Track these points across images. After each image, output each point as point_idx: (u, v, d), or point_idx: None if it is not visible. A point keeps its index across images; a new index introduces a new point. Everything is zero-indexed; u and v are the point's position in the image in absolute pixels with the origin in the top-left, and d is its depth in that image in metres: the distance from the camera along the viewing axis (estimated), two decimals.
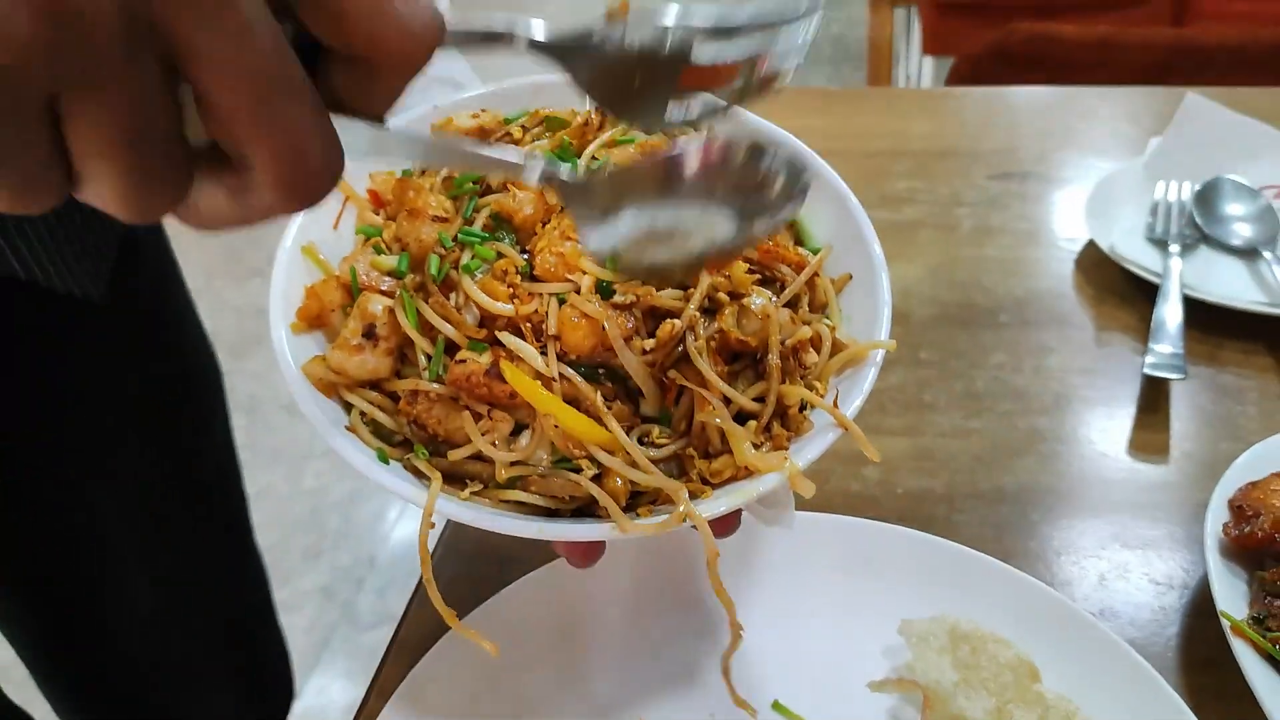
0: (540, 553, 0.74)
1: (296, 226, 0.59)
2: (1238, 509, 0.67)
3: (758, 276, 0.57)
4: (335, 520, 2.46)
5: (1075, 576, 0.71)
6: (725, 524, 0.54)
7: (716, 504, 0.51)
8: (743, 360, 0.55)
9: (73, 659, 0.97)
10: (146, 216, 0.33)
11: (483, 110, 0.64)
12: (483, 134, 0.63)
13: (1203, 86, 1.23)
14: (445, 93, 0.66)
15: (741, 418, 0.54)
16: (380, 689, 0.66)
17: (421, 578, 0.75)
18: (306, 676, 2.09)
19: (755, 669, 0.64)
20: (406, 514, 2.46)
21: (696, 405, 0.53)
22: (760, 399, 0.54)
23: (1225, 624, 0.60)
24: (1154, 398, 0.85)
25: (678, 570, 0.71)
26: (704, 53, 0.42)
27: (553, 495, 0.53)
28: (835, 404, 0.54)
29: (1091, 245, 1.00)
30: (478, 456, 0.53)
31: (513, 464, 0.52)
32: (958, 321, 0.94)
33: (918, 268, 1.01)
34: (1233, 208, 0.98)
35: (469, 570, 0.76)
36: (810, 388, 0.55)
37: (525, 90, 0.66)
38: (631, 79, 0.42)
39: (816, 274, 0.59)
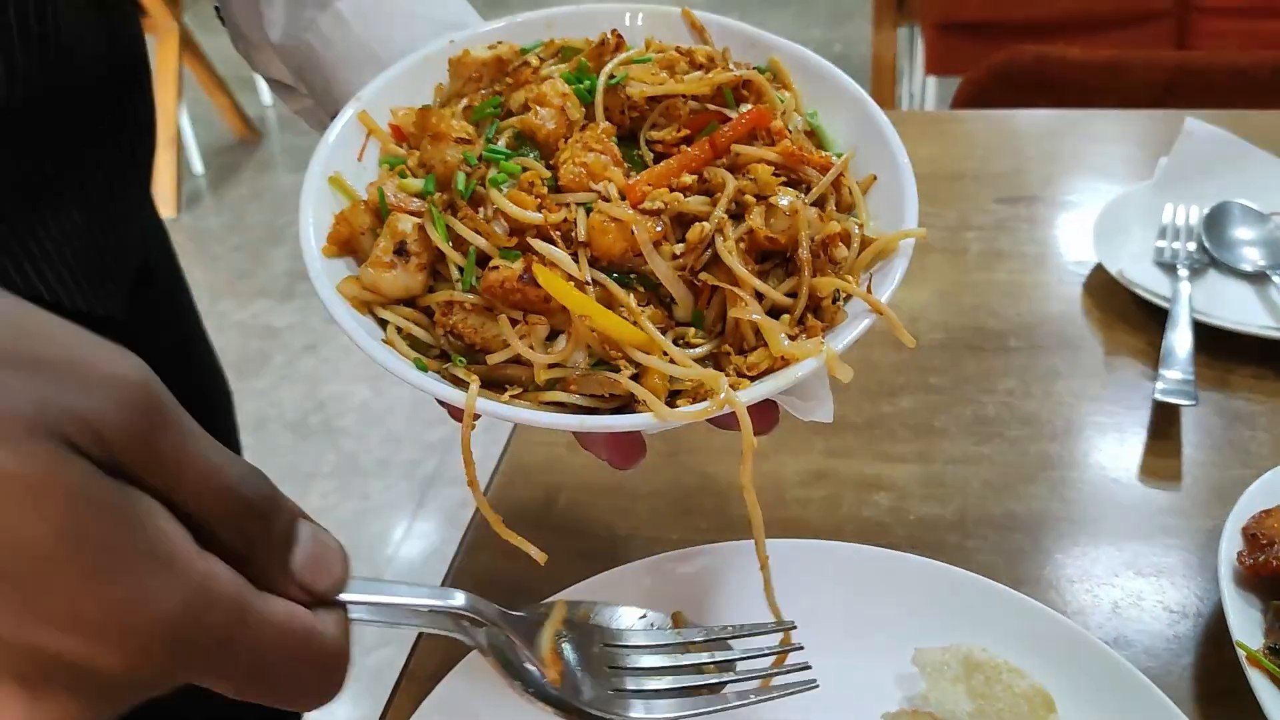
0: (551, 579, 0.74)
1: (322, 159, 0.58)
2: (1252, 537, 0.67)
3: (783, 179, 0.56)
4: (341, 540, 2.46)
5: (1089, 605, 0.71)
6: (765, 417, 0.55)
7: (755, 390, 0.50)
8: (773, 260, 0.55)
9: None
10: None
11: (499, 42, 0.64)
12: (500, 64, 0.63)
13: (1207, 110, 1.24)
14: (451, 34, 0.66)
15: (775, 315, 0.53)
16: None
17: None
18: None
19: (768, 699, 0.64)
20: (411, 534, 2.46)
21: (729, 303, 0.53)
22: (792, 294, 0.53)
23: (1241, 654, 0.60)
24: (1165, 423, 0.85)
25: (696, 600, 0.71)
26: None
27: (592, 394, 0.52)
28: (869, 291, 0.54)
29: (1100, 269, 1.00)
30: (516, 360, 0.53)
31: (550, 366, 0.52)
32: (967, 346, 0.94)
33: (927, 292, 1.01)
34: (1241, 232, 0.98)
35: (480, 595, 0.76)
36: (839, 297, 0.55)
37: (538, 23, 0.66)
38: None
39: (842, 176, 0.58)
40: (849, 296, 0.54)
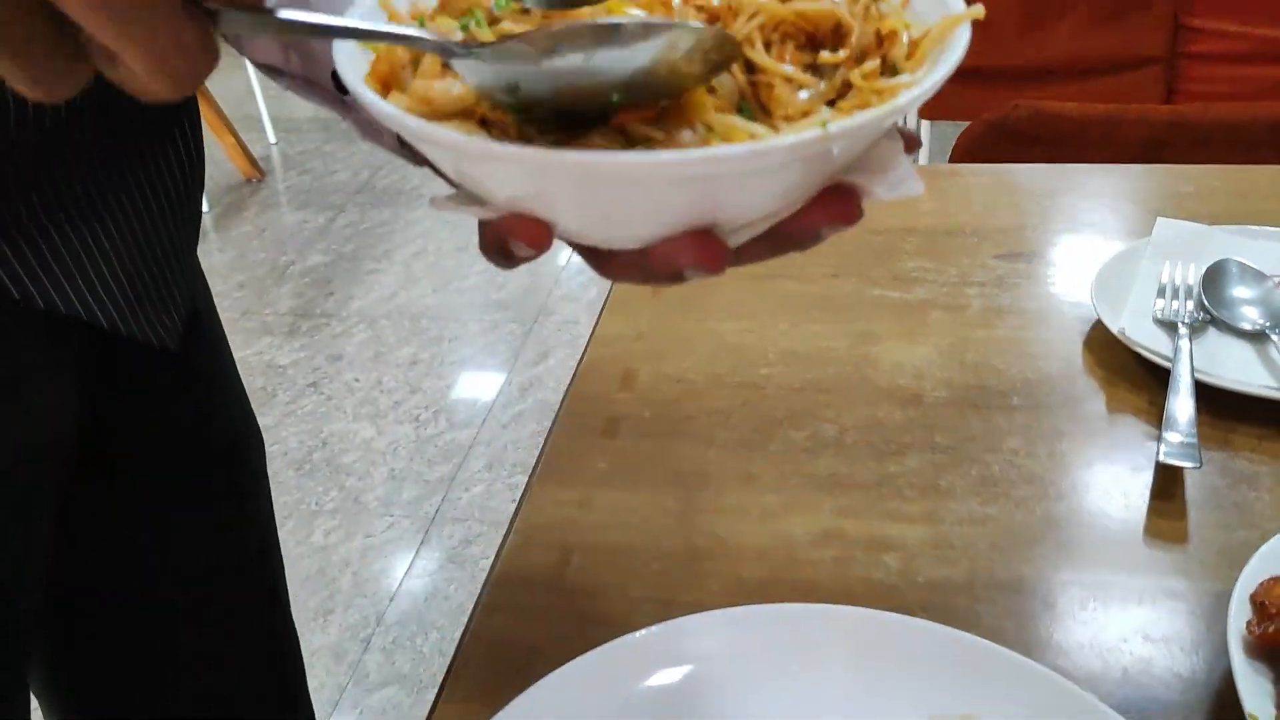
0: (567, 643, 0.75)
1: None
2: (1260, 606, 0.68)
3: None
4: (344, 578, 2.47)
5: (1099, 670, 0.72)
6: (845, 204, 0.49)
7: (859, 117, 0.44)
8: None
9: None
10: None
11: None
12: None
13: (1201, 165, 1.26)
14: None
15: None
16: None
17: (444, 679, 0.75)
18: None
19: None
20: (413, 572, 2.46)
21: (766, 97, 0.47)
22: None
23: None
24: (1169, 483, 0.86)
25: (712, 665, 0.72)
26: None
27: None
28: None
29: (1099, 325, 1.01)
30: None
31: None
32: (971, 404, 0.96)
33: (929, 349, 1.03)
34: (1240, 290, 1.00)
35: (494, 666, 0.77)
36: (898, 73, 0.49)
37: None
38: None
39: None
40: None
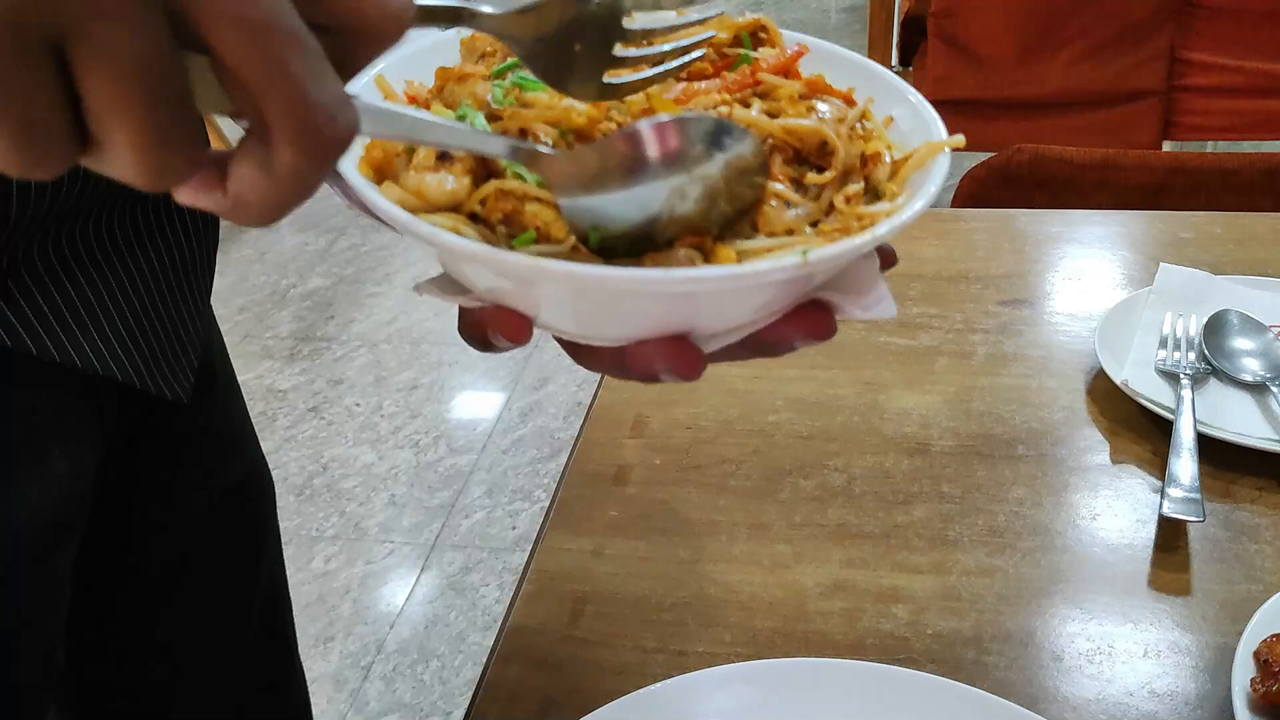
0: (582, 694, 0.76)
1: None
2: (1264, 663, 0.70)
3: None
4: (344, 605, 2.47)
5: None
6: (820, 321, 0.51)
7: (835, 248, 0.46)
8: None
9: None
10: (163, 179, 0.34)
11: None
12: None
13: (1203, 211, 1.28)
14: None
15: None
16: None
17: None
18: None
19: None
20: (414, 599, 2.47)
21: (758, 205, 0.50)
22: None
23: None
24: (1172, 536, 0.88)
25: (722, 711, 0.73)
26: (635, 20, 0.46)
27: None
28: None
29: (1102, 374, 1.03)
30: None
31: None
32: (977, 454, 0.98)
33: (935, 397, 1.04)
34: (1241, 342, 1.02)
35: (509, 711, 0.78)
36: (883, 193, 0.53)
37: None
38: (570, 48, 0.46)
39: (849, 99, 0.56)
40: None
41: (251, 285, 3.66)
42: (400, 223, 0.47)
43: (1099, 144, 1.69)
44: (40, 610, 0.81)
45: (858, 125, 0.55)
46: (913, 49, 2.70)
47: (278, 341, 3.35)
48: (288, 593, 1.10)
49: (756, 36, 0.60)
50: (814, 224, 0.50)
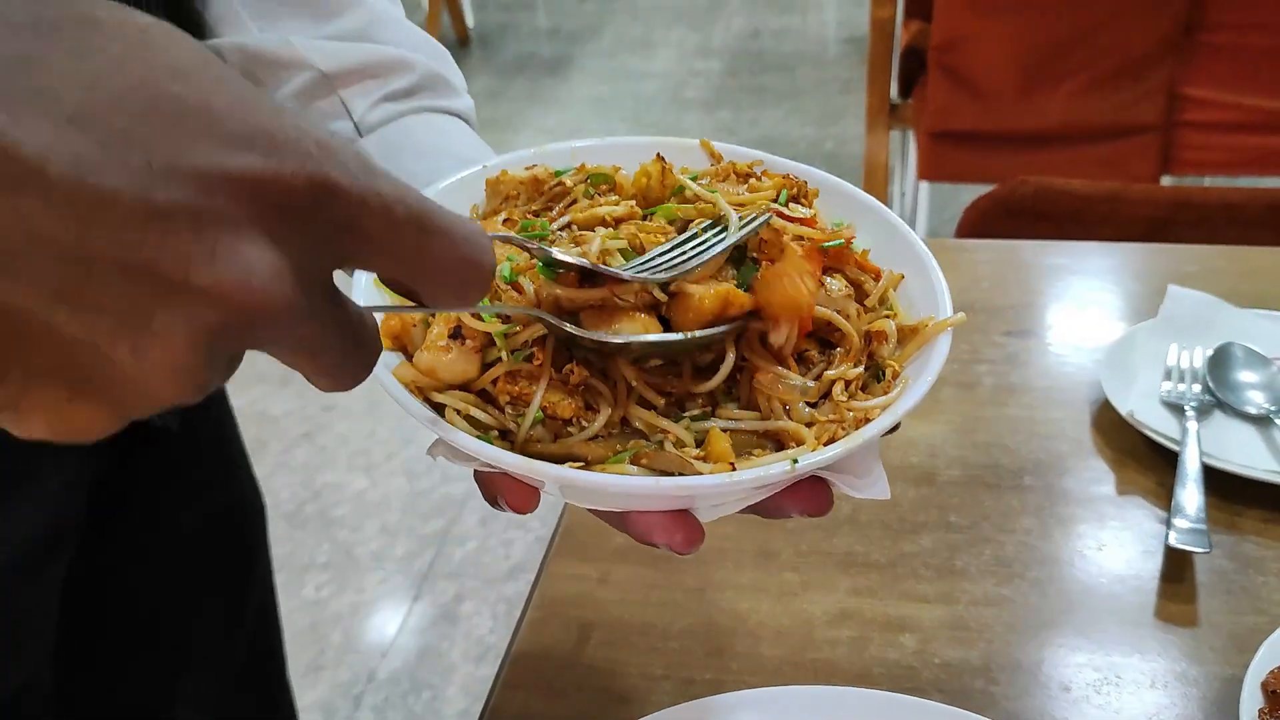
0: (587, 718, 0.76)
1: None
2: (1272, 694, 0.70)
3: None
4: (335, 634, 2.45)
5: None
6: (819, 498, 0.54)
7: (827, 452, 0.50)
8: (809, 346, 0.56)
9: None
10: (358, 377, 0.40)
11: (535, 165, 0.66)
12: (536, 183, 0.64)
13: (1201, 245, 1.29)
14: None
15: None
16: None
17: None
18: None
19: None
20: (406, 628, 2.45)
21: (759, 381, 0.54)
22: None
23: None
24: (1178, 567, 0.88)
25: None
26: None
27: (662, 470, 0.52)
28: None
29: (1108, 405, 1.03)
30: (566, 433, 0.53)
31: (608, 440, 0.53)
32: (984, 484, 0.97)
33: (943, 428, 1.04)
34: (1245, 374, 1.02)
35: None
36: (883, 376, 0.57)
37: (564, 153, 0.67)
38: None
39: (877, 275, 0.60)
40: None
41: None
42: (415, 413, 0.51)
43: (1098, 177, 1.71)
44: (30, 627, 0.81)
45: (865, 304, 0.59)
46: (913, 81, 2.72)
47: (270, 365, 3.31)
48: (278, 618, 1.09)
49: (794, 195, 0.62)
50: (811, 404, 0.54)
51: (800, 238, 0.57)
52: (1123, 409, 1.00)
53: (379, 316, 0.56)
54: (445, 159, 0.73)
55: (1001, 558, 0.90)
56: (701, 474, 0.50)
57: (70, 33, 0.30)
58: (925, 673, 0.80)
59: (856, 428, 0.53)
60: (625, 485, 0.50)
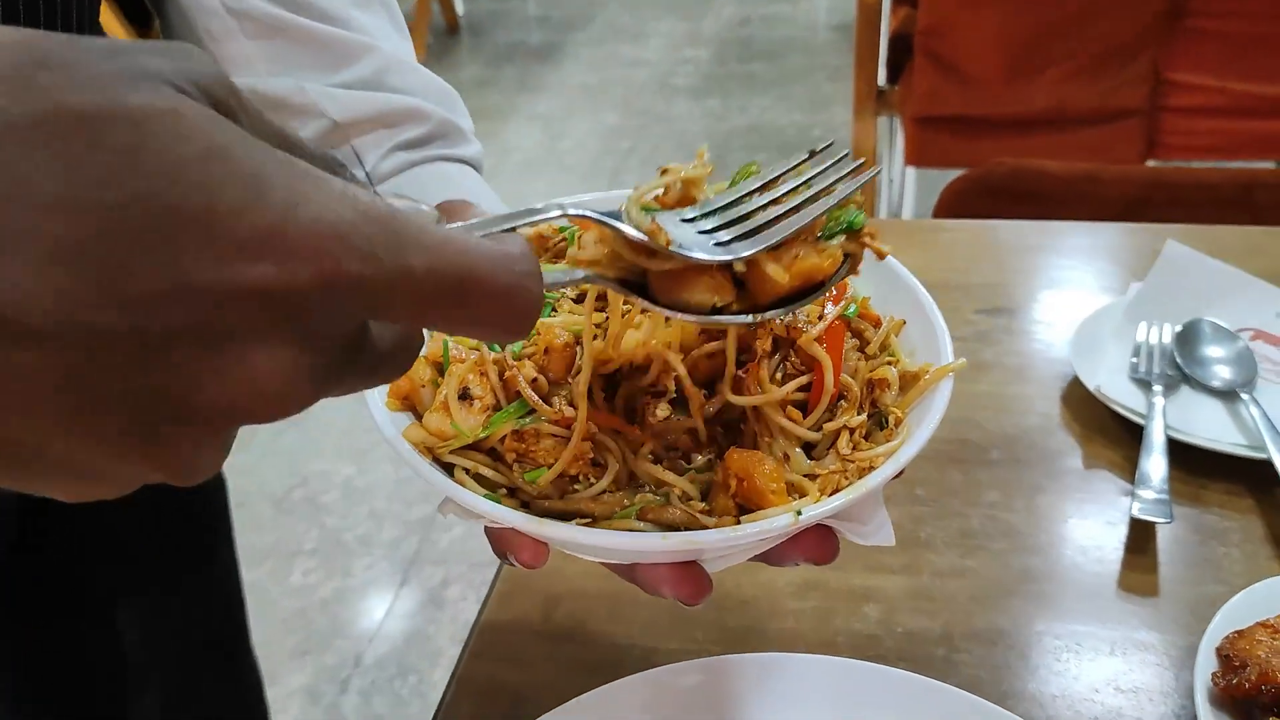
0: (555, 689, 0.76)
1: None
2: (1225, 659, 0.70)
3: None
4: (322, 619, 2.46)
5: None
6: (825, 546, 0.55)
7: (830, 503, 0.51)
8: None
9: None
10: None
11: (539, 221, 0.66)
12: (542, 240, 0.63)
13: (1177, 224, 1.29)
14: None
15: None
16: None
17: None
18: None
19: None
20: (393, 613, 2.46)
21: (760, 434, 0.55)
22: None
23: None
24: (1141, 538, 0.88)
25: (697, 713, 0.73)
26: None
27: (668, 524, 0.53)
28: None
29: (1076, 382, 1.04)
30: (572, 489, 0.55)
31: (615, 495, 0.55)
32: (952, 459, 0.98)
33: None
34: (1212, 350, 1.03)
35: (481, 711, 0.78)
36: (886, 424, 0.58)
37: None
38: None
39: (877, 323, 0.62)
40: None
41: None
42: (424, 475, 0.53)
43: (1084, 162, 1.71)
44: None
45: (866, 353, 0.60)
46: (900, 67, 2.72)
47: None
48: (241, 593, 1.09)
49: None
50: (811, 453, 0.56)
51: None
52: (1091, 384, 1.01)
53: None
54: None
55: (966, 530, 0.90)
56: (707, 528, 0.52)
57: (52, 142, 0.27)
58: (888, 641, 0.81)
59: (860, 476, 0.54)
60: (631, 543, 0.51)
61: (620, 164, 4.51)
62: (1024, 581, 0.85)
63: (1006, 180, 1.48)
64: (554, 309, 0.60)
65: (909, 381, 0.59)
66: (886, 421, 0.58)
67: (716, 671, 0.75)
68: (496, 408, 0.56)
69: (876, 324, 0.62)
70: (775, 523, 0.50)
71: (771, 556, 0.56)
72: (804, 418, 0.56)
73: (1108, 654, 0.79)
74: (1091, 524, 0.90)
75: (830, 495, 0.53)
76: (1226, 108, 2.41)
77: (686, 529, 0.52)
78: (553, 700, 0.73)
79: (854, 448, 0.55)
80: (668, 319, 0.52)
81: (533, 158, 4.62)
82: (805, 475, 0.55)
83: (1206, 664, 0.71)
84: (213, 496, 1.03)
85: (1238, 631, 0.72)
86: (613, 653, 0.82)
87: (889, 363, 0.60)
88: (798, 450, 0.56)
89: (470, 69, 5.44)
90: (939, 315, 0.62)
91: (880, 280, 0.65)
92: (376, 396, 0.57)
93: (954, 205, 1.51)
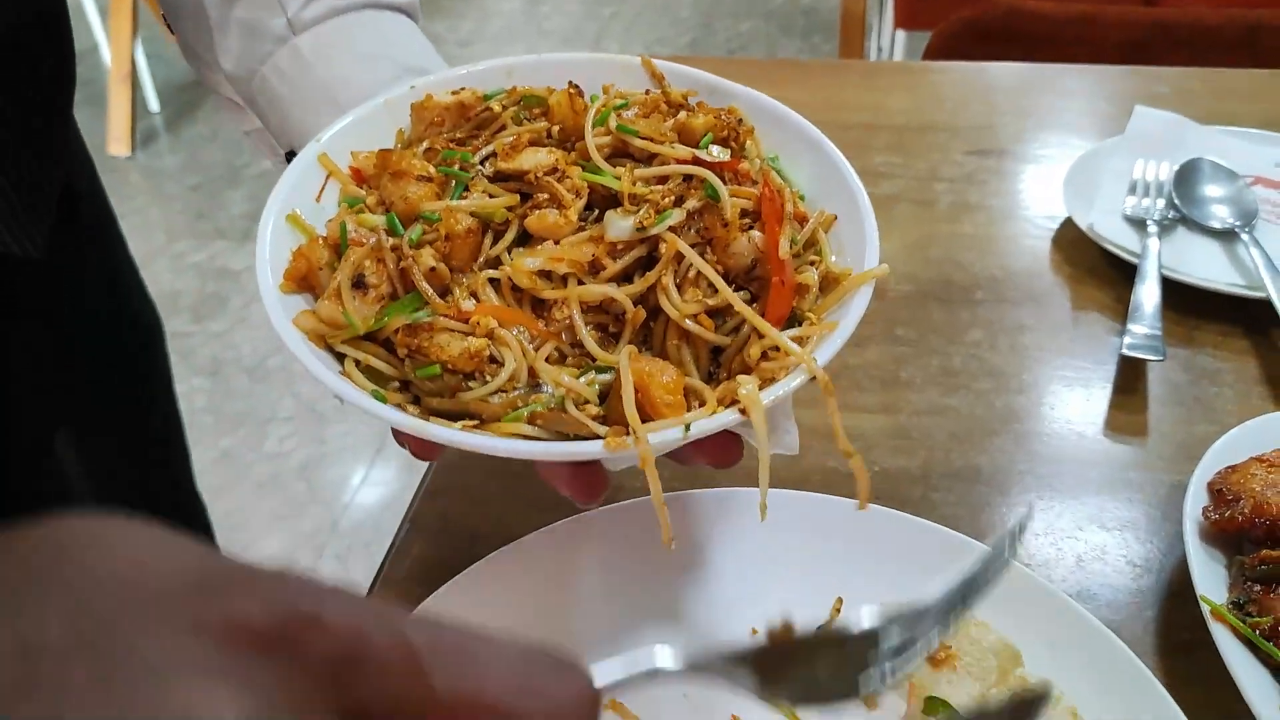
0: (509, 526, 0.72)
1: (280, 198, 0.57)
2: (1217, 493, 0.67)
3: (748, 221, 0.56)
4: (297, 485, 2.44)
5: (1052, 558, 0.71)
6: (729, 450, 0.55)
7: (720, 418, 0.50)
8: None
9: None
10: None
11: (461, 88, 0.64)
12: (462, 109, 0.63)
13: (1179, 67, 1.23)
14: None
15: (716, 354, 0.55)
16: None
17: (388, 552, 0.73)
18: None
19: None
20: (369, 480, 2.44)
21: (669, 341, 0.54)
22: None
23: (1205, 608, 0.60)
24: (1131, 378, 0.84)
25: (649, 540, 0.70)
26: (891, 635, 0.41)
27: (557, 430, 0.52)
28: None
29: (1069, 223, 0.99)
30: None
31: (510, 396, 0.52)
32: (934, 298, 0.94)
33: (894, 244, 1.00)
34: (1211, 189, 0.98)
35: (436, 549, 0.75)
36: (804, 321, 0.56)
37: (499, 71, 0.66)
38: (813, 673, 0.40)
39: (804, 220, 0.59)
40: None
41: (205, 164, 3.55)
42: (309, 368, 0.51)
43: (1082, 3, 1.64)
44: None
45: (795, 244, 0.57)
46: None
47: (231, 222, 3.26)
48: (183, 436, 1.05)
49: (722, 137, 0.59)
50: (717, 353, 0.54)
51: (745, 212, 0.56)
52: (1083, 223, 0.96)
53: (285, 254, 0.56)
54: (384, 63, 0.69)
55: (948, 369, 0.86)
56: (599, 436, 0.50)
57: None
58: None
59: (763, 385, 0.52)
60: (511, 448, 0.50)
61: (603, 29, 4.37)
62: (1007, 421, 0.82)
63: (1001, 23, 1.41)
64: (466, 189, 0.57)
65: (830, 284, 0.57)
66: (801, 326, 0.55)
67: (679, 507, 0.71)
68: (394, 296, 0.53)
69: (803, 221, 0.59)
70: (666, 436, 0.49)
71: (676, 456, 0.55)
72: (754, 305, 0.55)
73: (1093, 493, 0.75)
74: (1079, 363, 0.86)
75: (727, 407, 0.51)
76: None
77: (578, 437, 0.51)
78: (509, 536, 0.69)
79: (763, 354, 0.53)
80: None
81: (513, 24, 4.48)
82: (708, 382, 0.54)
83: (1197, 499, 0.67)
84: (147, 343, 0.98)
85: (1230, 466, 0.69)
86: None
87: (812, 263, 0.58)
88: (706, 353, 0.55)
89: None
90: (871, 214, 0.59)
91: (820, 169, 0.63)
92: (269, 279, 0.54)
93: (945, 50, 1.43)
